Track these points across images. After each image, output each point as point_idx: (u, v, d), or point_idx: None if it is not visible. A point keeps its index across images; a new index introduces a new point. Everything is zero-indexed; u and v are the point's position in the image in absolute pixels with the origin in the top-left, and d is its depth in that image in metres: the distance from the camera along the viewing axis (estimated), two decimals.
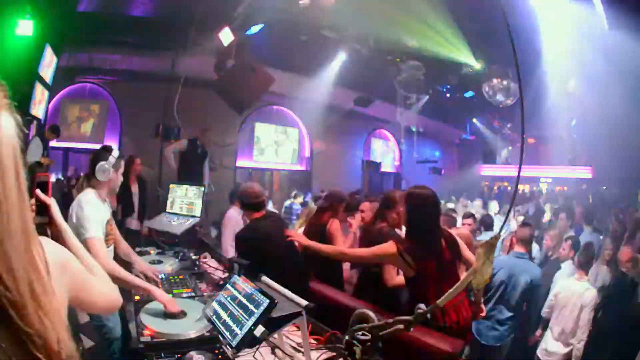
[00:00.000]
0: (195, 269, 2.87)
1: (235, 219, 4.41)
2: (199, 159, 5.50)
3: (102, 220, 2.19)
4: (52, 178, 7.47)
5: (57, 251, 1.09)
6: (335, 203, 3.46)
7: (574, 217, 6.13)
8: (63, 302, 1.01)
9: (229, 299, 1.64)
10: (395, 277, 2.70)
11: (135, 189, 4.93)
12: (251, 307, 1.50)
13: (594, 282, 3.70)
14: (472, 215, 4.66)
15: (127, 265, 2.34)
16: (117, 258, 2.40)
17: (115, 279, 1.98)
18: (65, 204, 2.36)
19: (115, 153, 2.30)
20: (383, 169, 12.76)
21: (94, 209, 2.16)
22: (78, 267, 1.14)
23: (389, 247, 2.30)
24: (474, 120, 14.12)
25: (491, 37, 6.53)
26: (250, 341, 1.41)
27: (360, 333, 0.97)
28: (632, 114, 7.66)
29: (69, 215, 2.12)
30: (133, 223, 4.88)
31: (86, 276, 1.17)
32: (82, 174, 2.58)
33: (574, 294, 3.22)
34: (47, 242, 1.07)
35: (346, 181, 11.16)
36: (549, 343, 3.31)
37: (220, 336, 1.55)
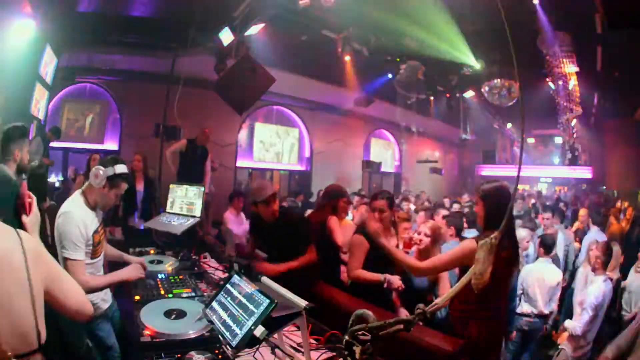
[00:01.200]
0: (195, 269, 2.87)
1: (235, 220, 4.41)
2: (199, 159, 5.49)
3: (85, 235, 1.96)
4: (53, 178, 7.47)
5: (33, 241, 1.15)
6: (333, 199, 3.46)
7: (561, 217, 6.12)
8: (39, 289, 1.07)
9: (229, 299, 1.64)
10: (360, 269, 2.66)
11: (140, 187, 4.93)
12: (251, 307, 1.50)
13: None
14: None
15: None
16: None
17: (97, 288, 1.98)
18: None
19: (120, 168, 2.07)
20: (383, 169, 12.77)
21: (75, 225, 1.92)
22: (52, 260, 1.18)
23: (470, 243, 2.08)
24: (474, 120, 14.09)
25: (491, 37, 6.53)
26: (250, 341, 1.41)
27: (360, 333, 0.97)
28: None
29: (55, 224, 1.95)
30: (135, 222, 4.87)
31: (60, 270, 1.21)
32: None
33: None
34: (23, 234, 1.11)
35: (346, 181, 11.16)
36: None
37: (220, 336, 1.55)
